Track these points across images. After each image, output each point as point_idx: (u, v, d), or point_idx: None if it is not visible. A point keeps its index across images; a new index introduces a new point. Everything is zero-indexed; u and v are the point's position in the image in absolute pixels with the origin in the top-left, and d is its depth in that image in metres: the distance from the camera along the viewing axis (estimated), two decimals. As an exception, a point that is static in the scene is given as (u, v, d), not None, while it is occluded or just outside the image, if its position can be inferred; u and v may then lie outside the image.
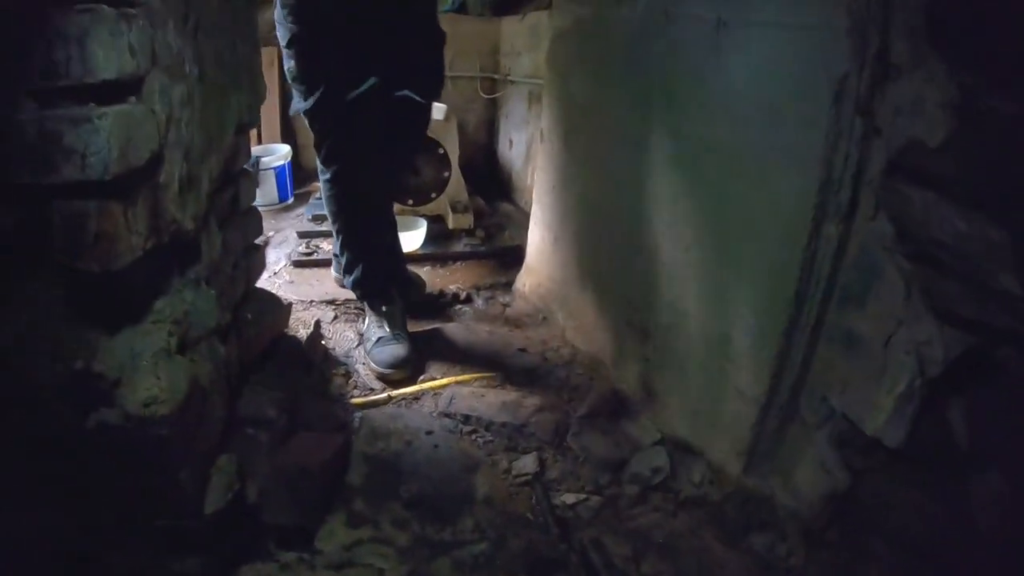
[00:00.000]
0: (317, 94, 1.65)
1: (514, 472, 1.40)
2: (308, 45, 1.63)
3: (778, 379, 1.21)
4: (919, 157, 0.95)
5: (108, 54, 0.91)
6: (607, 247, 1.78)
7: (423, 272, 2.31)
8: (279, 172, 3.06)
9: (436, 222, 2.69)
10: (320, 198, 2.93)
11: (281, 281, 2.30)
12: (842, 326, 1.11)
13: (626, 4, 1.58)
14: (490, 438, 1.51)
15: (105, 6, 0.92)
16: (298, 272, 2.39)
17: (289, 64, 1.67)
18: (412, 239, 2.47)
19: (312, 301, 2.12)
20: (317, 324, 1.83)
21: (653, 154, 1.51)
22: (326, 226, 2.64)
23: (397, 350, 1.75)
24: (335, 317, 2.05)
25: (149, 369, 1.00)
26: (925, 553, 1.00)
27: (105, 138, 0.91)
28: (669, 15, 1.42)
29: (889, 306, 1.01)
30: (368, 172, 1.78)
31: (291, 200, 3.16)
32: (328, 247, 2.51)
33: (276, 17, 1.66)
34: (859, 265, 1.07)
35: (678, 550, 1.23)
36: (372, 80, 1.64)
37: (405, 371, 1.74)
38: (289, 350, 1.66)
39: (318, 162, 1.81)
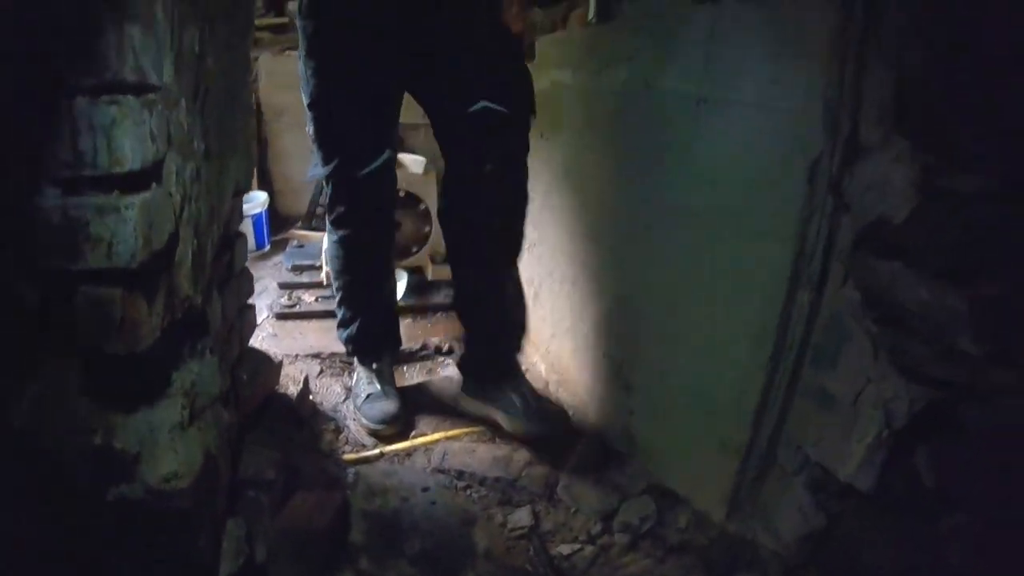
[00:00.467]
0: (333, 164, 1.65)
1: (510, 526, 1.44)
2: (329, 110, 1.62)
3: (757, 431, 1.28)
4: (884, 231, 1.02)
5: (134, 145, 0.93)
6: (590, 304, 1.82)
7: (405, 325, 2.29)
8: (256, 220, 3.06)
9: (415, 273, 2.73)
10: (299, 246, 2.98)
11: (264, 334, 2.29)
12: (815, 383, 1.18)
13: (607, 74, 1.63)
14: (484, 493, 1.54)
15: (131, 96, 0.93)
16: (280, 325, 2.39)
17: (309, 127, 1.66)
18: (393, 291, 2.50)
19: (297, 355, 2.13)
20: (306, 380, 1.85)
21: (637, 216, 1.56)
22: (307, 277, 2.67)
23: (387, 406, 1.78)
24: (321, 371, 2.06)
25: (167, 444, 1.02)
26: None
27: (132, 227, 0.92)
28: (650, 89, 1.48)
29: (858, 365, 1.08)
30: (375, 240, 1.81)
31: (268, 248, 3.16)
32: (310, 299, 2.53)
33: (300, 72, 1.63)
34: (830, 329, 1.14)
35: (670, 595, 1.28)
36: (387, 154, 1.66)
37: (396, 427, 1.76)
38: (280, 407, 1.68)
39: (327, 220, 1.80)
